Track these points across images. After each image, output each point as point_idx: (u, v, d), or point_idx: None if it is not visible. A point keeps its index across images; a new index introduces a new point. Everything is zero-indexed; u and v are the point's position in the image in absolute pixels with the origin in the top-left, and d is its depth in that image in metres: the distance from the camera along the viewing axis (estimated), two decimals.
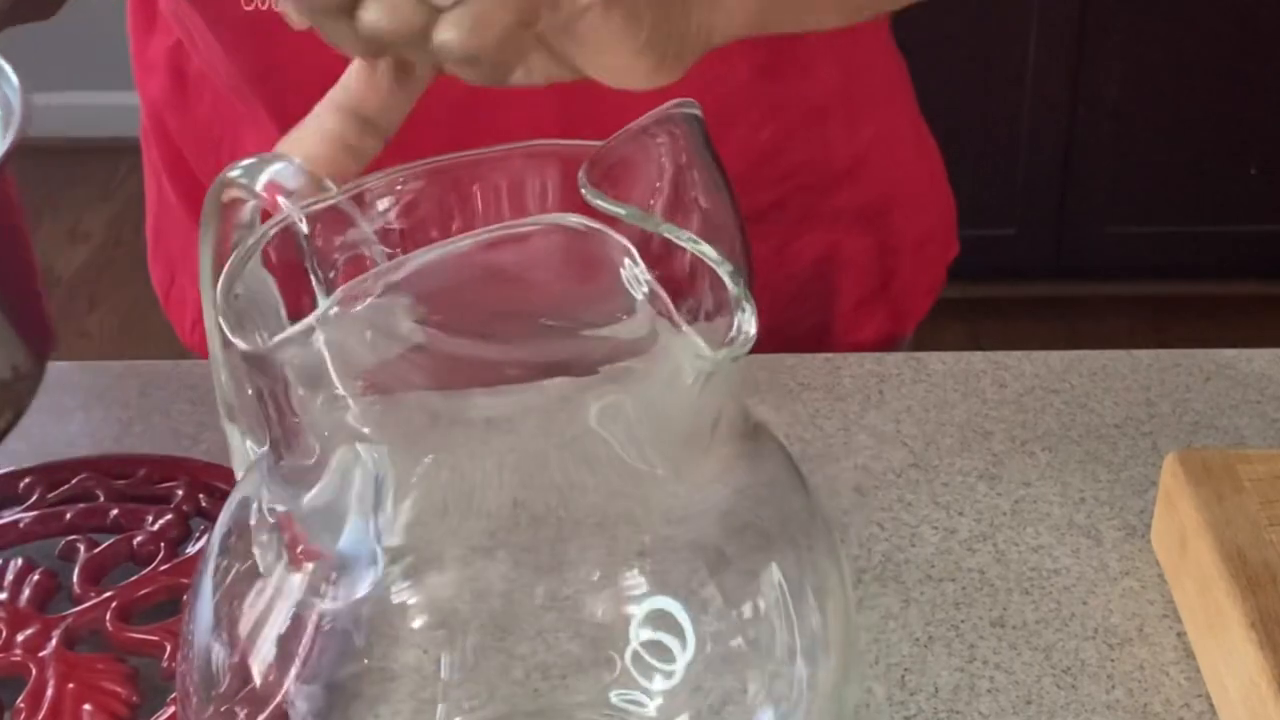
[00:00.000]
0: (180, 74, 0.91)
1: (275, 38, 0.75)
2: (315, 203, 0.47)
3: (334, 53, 0.53)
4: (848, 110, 0.91)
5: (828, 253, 0.93)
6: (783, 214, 0.90)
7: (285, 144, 0.52)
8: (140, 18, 0.94)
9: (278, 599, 0.44)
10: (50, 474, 0.72)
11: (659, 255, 0.41)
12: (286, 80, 0.79)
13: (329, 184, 0.47)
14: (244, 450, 0.55)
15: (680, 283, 0.42)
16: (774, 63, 0.85)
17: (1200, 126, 2.48)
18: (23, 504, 0.71)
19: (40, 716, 0.59)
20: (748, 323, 0.40)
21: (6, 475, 0.72)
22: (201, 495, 0.71)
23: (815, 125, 0.90)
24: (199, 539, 0.68)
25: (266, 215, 0.47)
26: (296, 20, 0.54)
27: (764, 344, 0.82)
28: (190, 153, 0.93)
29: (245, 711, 0.45)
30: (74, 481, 0.72)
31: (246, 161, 0.48)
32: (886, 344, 0.95)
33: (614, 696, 0.46)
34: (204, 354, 0.55)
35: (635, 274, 0.38)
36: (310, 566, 0.44)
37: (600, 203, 0.40)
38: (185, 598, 0.49)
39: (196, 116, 0.91)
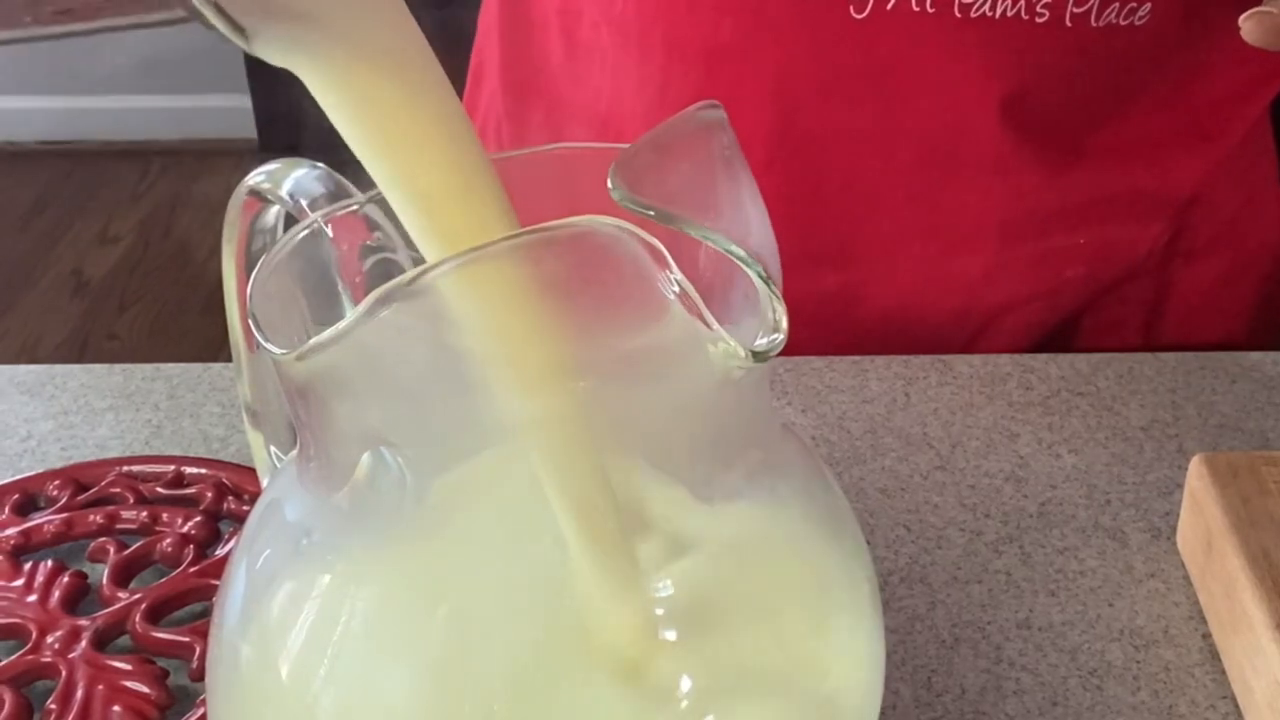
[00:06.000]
0: (571, 38, 0.93)
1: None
2: (341, 208, 0.47)
3: None
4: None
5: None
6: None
7: None
8: None
9: (307, 601, 0.45)
10: (80, 476, 0.72)
11: (687, 256, 0.41)
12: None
13: (354, 189, 0.48)
14: (265, 454, 0.55)
15: (708, 283, 0.42)
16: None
17: None
18: (52, 506, 0.71)
19: (70, 718, 0.59)
20: (779, 323, 0.40)
21: (36, 477, 0.72)
22: (230, 497, 0.71)
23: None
24: (227, 541, 0.69)
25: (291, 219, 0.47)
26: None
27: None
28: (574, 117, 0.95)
29: None
30: (103, 483, 0.72)
31: (270, 166, 0.49)
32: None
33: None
34: None
35: (666, 274, 0.38)
36: (340, 568, 0.45)
37: (629, 204, 0.40)
38: (214, 599, 0.49)
39: (586, 85, 0.93)
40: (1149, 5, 0.81)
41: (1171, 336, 0.95)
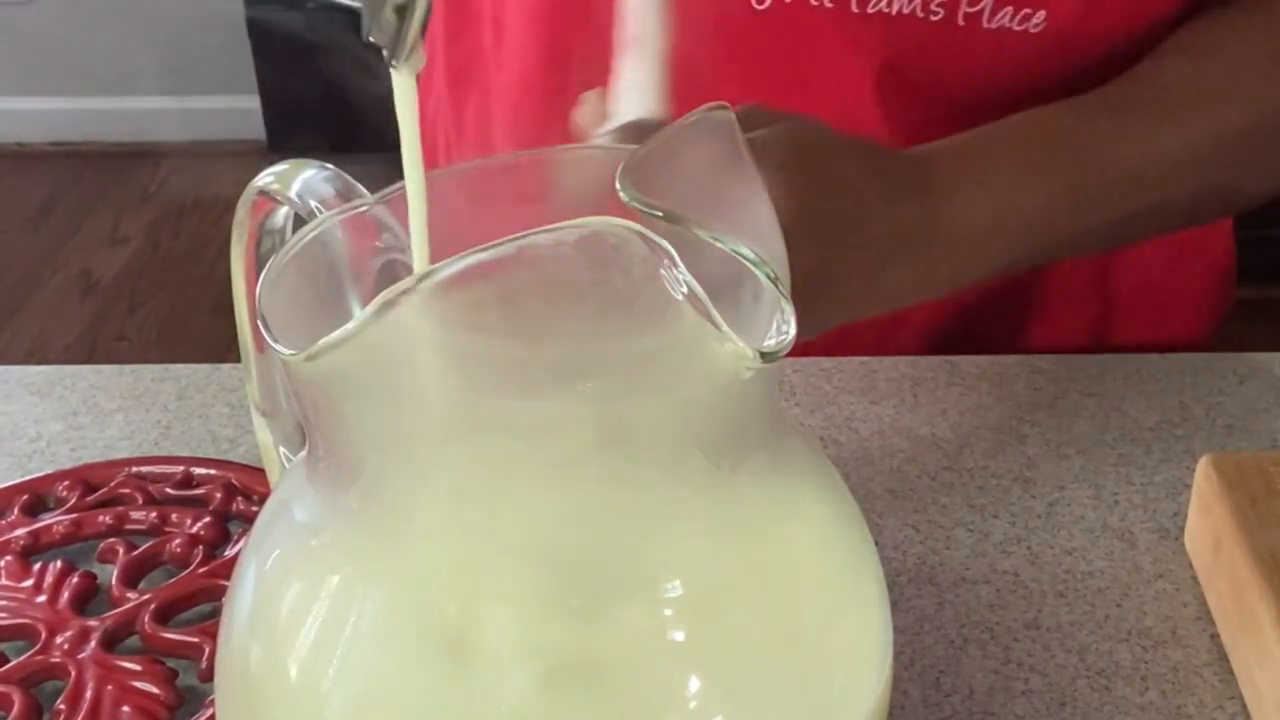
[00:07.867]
0: (499, 25, 0.95)
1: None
2: (349, 209, 0.47)
3: None
4: None
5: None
6: None
7: None
8: None
9: (316, 601, 0.45)
10: (89, 477, 0.73)
11: (694, 256, 0.41)
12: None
13: (362, 190, 0.48)
14: (274, 455, 0.55)
15: (716, 284, 0.42)
16: None
17: None
18: (62, 507, 0.71)
19: (79, 718, 0.60)
20: (786, 324, 0.40)
21: (45, 478, 0.73)
22: (239, 498, 0.71)
23: None
24: (236, 541, 0.69)
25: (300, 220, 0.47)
26: None
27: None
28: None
29: None
30: (112, 484, 0.72)
31: (279, 167, 0.49)
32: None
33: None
34: None
35: (674, 275, 0.38)
36: (349, 568, 0.45)
37: (638, 205, 0.40)
38: (223, 599, 0.49)
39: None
40: (1043, 13, 0.81)
41: (1121, 323, 0.95)
